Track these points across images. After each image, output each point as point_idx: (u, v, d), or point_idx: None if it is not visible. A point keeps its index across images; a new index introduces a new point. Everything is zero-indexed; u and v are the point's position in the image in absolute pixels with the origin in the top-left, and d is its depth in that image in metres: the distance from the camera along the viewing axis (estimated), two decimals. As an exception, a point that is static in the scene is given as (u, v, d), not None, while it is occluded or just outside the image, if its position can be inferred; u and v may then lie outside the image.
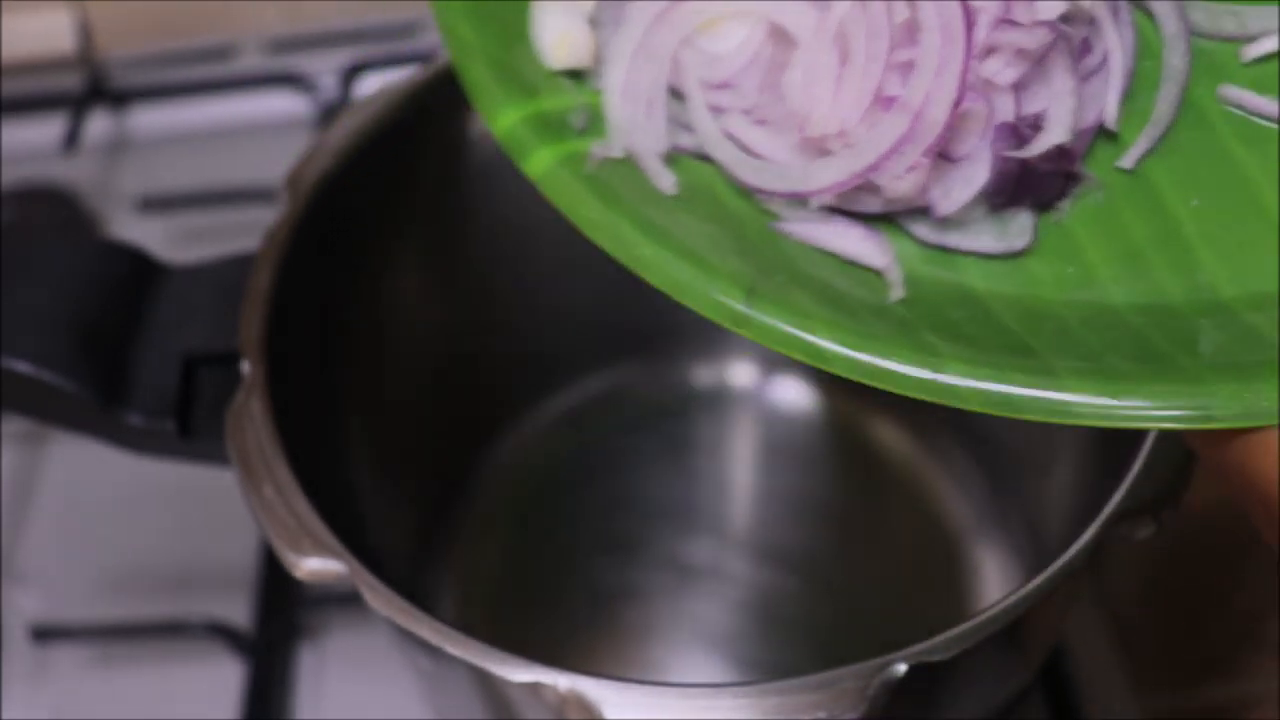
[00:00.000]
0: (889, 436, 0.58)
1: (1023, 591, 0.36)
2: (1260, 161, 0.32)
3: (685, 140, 0.33)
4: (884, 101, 0.31)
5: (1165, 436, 0.38)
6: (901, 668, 0.34)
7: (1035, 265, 0.32)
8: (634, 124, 0.33)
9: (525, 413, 0.59)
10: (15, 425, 0.63)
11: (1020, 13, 0.31)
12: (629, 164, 0.32)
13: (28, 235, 0.45)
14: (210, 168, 0.72)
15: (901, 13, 0.31)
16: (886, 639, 0.35)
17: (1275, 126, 0.33)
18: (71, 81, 0.75)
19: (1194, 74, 0.33)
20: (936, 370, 0.29)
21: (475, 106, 0.33)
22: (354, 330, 0.50)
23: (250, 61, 0.77)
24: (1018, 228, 0.32)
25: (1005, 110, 0.32)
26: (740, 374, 0.61)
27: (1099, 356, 0.29)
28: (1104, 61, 0.33)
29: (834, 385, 0.59)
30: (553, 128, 0.32)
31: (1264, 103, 0.33)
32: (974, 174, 0.31)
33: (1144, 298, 0.31)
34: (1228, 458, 0.29)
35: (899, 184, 0.31)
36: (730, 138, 0.33)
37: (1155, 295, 0.31)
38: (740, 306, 0.30)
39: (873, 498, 0.58)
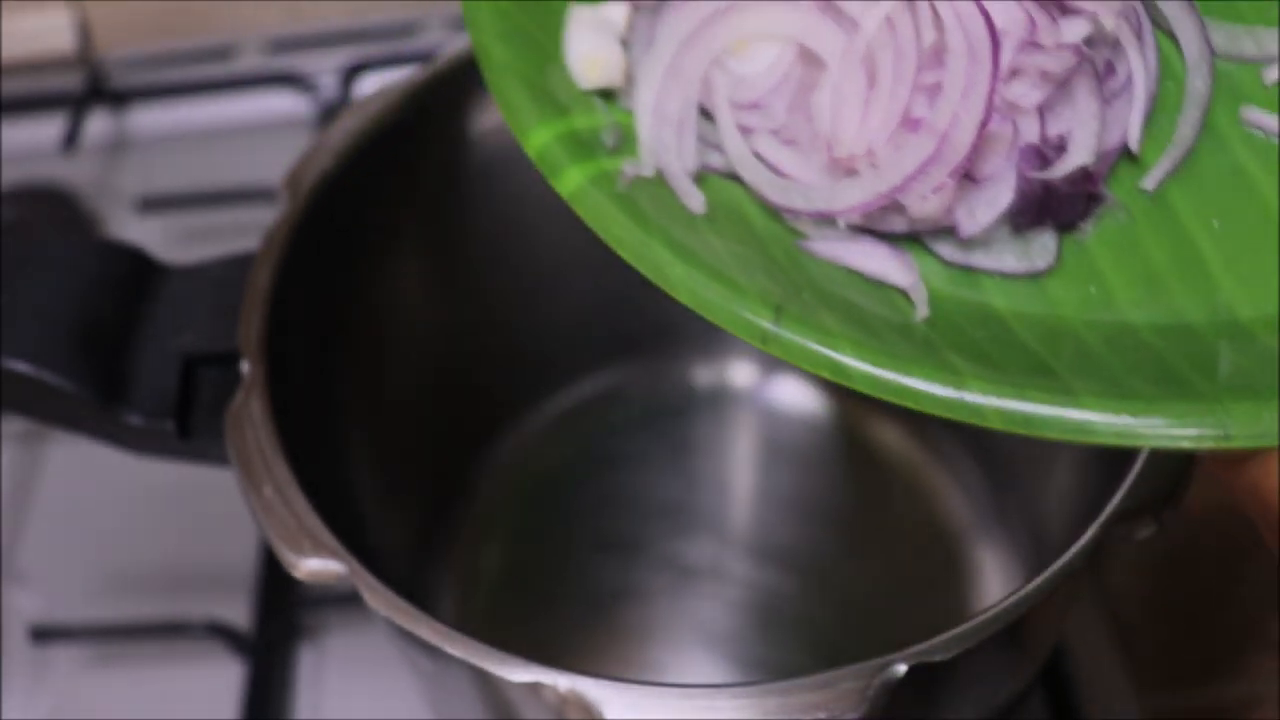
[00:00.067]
0: (889, 436, 0.58)
1: (1023, 592, 0.36)
2: (1279, 184, 0.33)
3: (714, 160, 0.34)
4: (911, 123, 0.31)
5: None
6: (902, 668, 0.34)
7: (1056, 286, 0.32)
8: (664, 143, 0.33)
9: (525, 413, 0.59)
10: (15, 425, 0.63)
11: (1045, 36, 0.31)
12: (659, 183, 0.33)
13: (27, 235, 0.45)
14: (210, 168, 0.72)
15: (929, 36, 0.31)
16: (886, 639, 0.35)
17: (1294, 150, 0.33)
18: (71, 81, 0.75)
19: (1214, 96, 0.34)
20: (958, 389, 0.29)
21: (509, 126, 0.33)
22: (353, 330, 0.50)
23: (250, 61, 0.77)
24: (1040, 248, 0.32)
25: (1030, 132, 0.32)
26: (740, 374, 0.61)
27: (1118, 377, 0.30)
28: (1127, 84, 0.33)
29: (834, 386, 0.59)
30: (584, 147, 0.33)
31: (1284, 126, 0.33)
32: (998, 195, 0.32)
33: (1163, 319, 0.31)
34: (1242, 478, 0.30)
35: (924, 204, 0.31)
36: (759, 158, 0.33)
37: (1174, 317, 0.31)
38: (768, 325, 0.30)
39: (873, 497, 0.58)
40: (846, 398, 0.59)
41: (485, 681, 0.38)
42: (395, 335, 0.53)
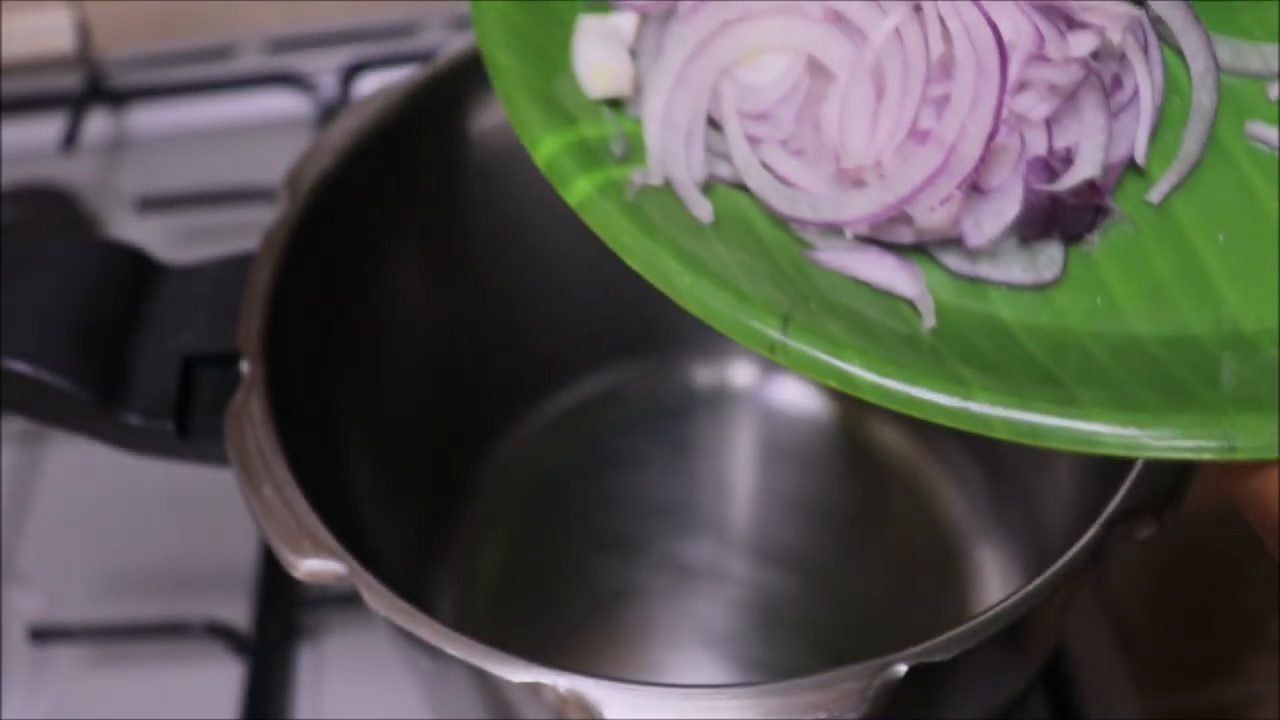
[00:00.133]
0: (889, 436, 0.58)
1: (1024, 592, 0.36)
2: None
3: (722, 170, 0.34)
4: (919, 135, 0.31)
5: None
6: (902, 668, 0.34)
7: (1063, 297, 0.32)
8: (673, 153, 0.33)
9: (525, 413, 0.59)
10: (15, 425, 0.63)
11: (1053, 49, 0.31)
12: (667, 192, 0.33)
13: (27, 235, 0.45)
14: (209, 167, 0.72)
15: (937, 48, 0.31)
16: (886, 639, 0.35)
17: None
18: (70, 81, 0.75)
19: (1219, 111, 0.34)
20: (965, 399, 0.30)
21: (518, 135, 0.34)
22: (353, 330, 0.50)
23: (250, 61, 0.77)
24: (1047, 259, 0.33)
25: (1037, 144, 0.32)
26: (740, 374, 0.61)
27: (1124, 388, 0.30)
28: (1134, 98, 0.33)
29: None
30: (593, 156, 0.33)
31: (1289, 140, 0.34)
32: (1005, 207, 0.32)
33: (1168, 331, 0.32)
34: (1243, 486, 0.30)
35: (932, 216, 0.31)
36: (766, 168, 0.33)
37: (1179, 328, 0.32)
38: (775, 334, 0.31)
39: (873, 497, 0.58)
40: (847, 399, 0.59)
41: (485, 681, 0.38)
42: (395, 335, 0.53)
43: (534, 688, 0.35)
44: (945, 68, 0.31)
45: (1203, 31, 0.34)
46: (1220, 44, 0.34)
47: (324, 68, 0.75)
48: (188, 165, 0.73)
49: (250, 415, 0.41)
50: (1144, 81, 0.33)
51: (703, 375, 0.61)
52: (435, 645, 0.36)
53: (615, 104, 0.35)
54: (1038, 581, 0.36)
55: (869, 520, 0.57)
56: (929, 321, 0.32)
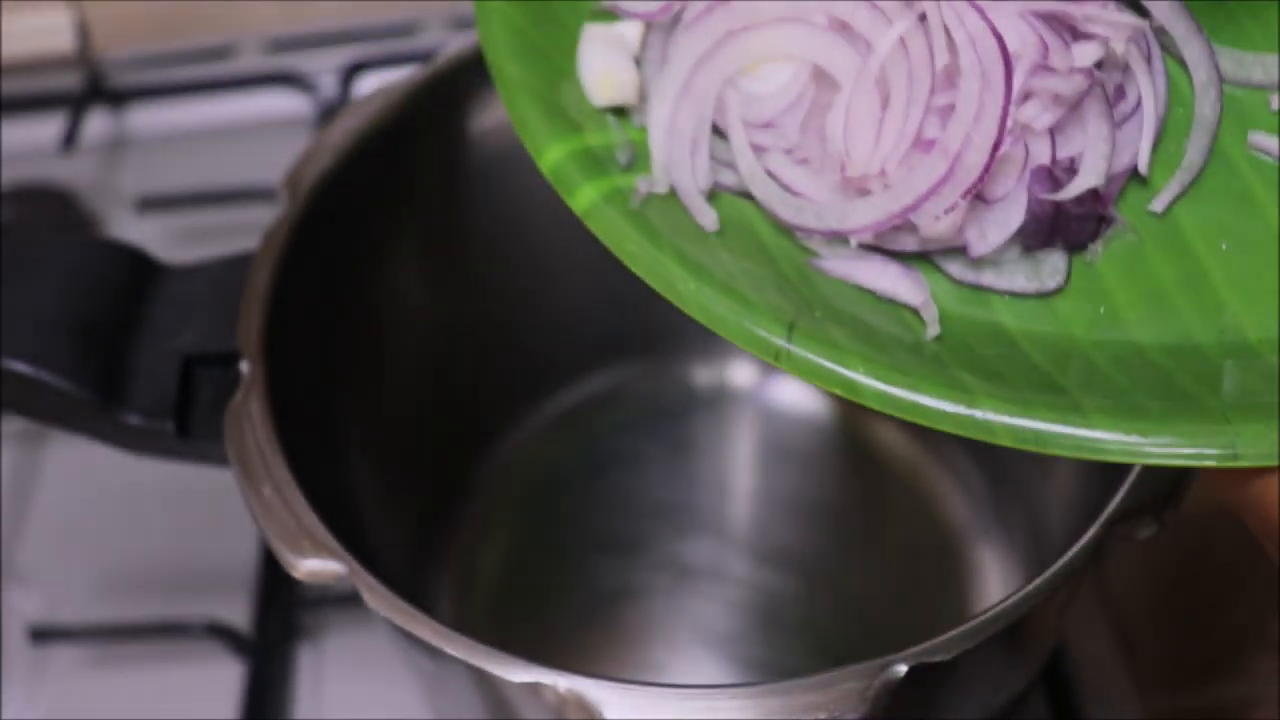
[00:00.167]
0: (889, 437, 0.58)
1: (1024, 592, 0.36)
2: None
3: (727, 178, 0.34)
4: (923, 144, 0.32)
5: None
6: (902, 668, 0.34)
7: (1065, 305, 0.33)
8: (678, 161, 0.34)
9: (525, 413, 0.59)
10: (15, 425, 0.63)
11: (1057, 59, 0.31)
12: (671, 200, 0.33)
13: (26, 235, 0.45)
14: (209, 167, 0.71)
15: (942, 58, 0.31)
16: (886, 639, 0.35)
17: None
18: (70, 81, 0.75)
19: (1223, 121, 0.34)
20: (969, 406, 0.30)
21: (523, 143, 0.34)
22: (353, 330, 0.50)
23: (249, 61, 0.77)
24: (1050, 268, 0.33)
25: (1041, 154, 0.32)
26: (740, 374, 0.61)
27: (1126, 395, 0.30)
28: (1137, 108, 0.34)
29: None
30: (598, 163, 0.33)
31: (1292, 150, 0.34)
32: (1009, 216, 0.32)
33: (1170, 339, 0.32)
34: (1243, 491, 0.30)
35: (936, 225, 0.32)
36: (771, 176, 0.34)
37: (1182, 336, 0.32)
38: (780, 341, 0.31)
39: (873, 498, 0.58)
40: (846, 400, 0.59)
41: (485, 681, 0.38)
42: (395, 335, 0.53)
43: (534, 688, 0.35)
44: (950, 77, 0.32)
45: (1205, 42, 0.34)
46: (1223, 55, 0.34)
47: (324, 68, 0.75)
48: (187, 165, 0.73)
49: (250, 415, 0.41)
50: (1147, 92, 0.33)
51: (703, 375, 0.61)
52: (435, 645, 0.36)
53: (620, 112, 0.35)
54: (1038, 581, 0.36)
55: (869, 520, 0.57)
56: (933, 329, 0.32)
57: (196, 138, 0.75)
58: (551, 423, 0.60)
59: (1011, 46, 0.31)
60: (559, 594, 0.55)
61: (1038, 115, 0.32)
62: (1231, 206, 0.33)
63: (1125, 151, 0.33)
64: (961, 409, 0.30)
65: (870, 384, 0.30)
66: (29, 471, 0.62)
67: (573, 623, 0.54)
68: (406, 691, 0.52)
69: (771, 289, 0.32)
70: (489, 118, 0.51)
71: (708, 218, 0.33)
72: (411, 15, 0.77)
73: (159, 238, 0.68)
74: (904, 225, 0.32)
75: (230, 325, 0.43)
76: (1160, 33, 0.34)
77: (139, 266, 0.45)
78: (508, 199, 0.53)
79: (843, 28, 0.33)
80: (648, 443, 0.59)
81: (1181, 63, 0.34)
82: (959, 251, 0.33)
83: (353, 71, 0.74)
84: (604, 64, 0.35)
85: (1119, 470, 0.38)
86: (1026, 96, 0.32)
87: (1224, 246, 0.33)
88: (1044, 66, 0.32)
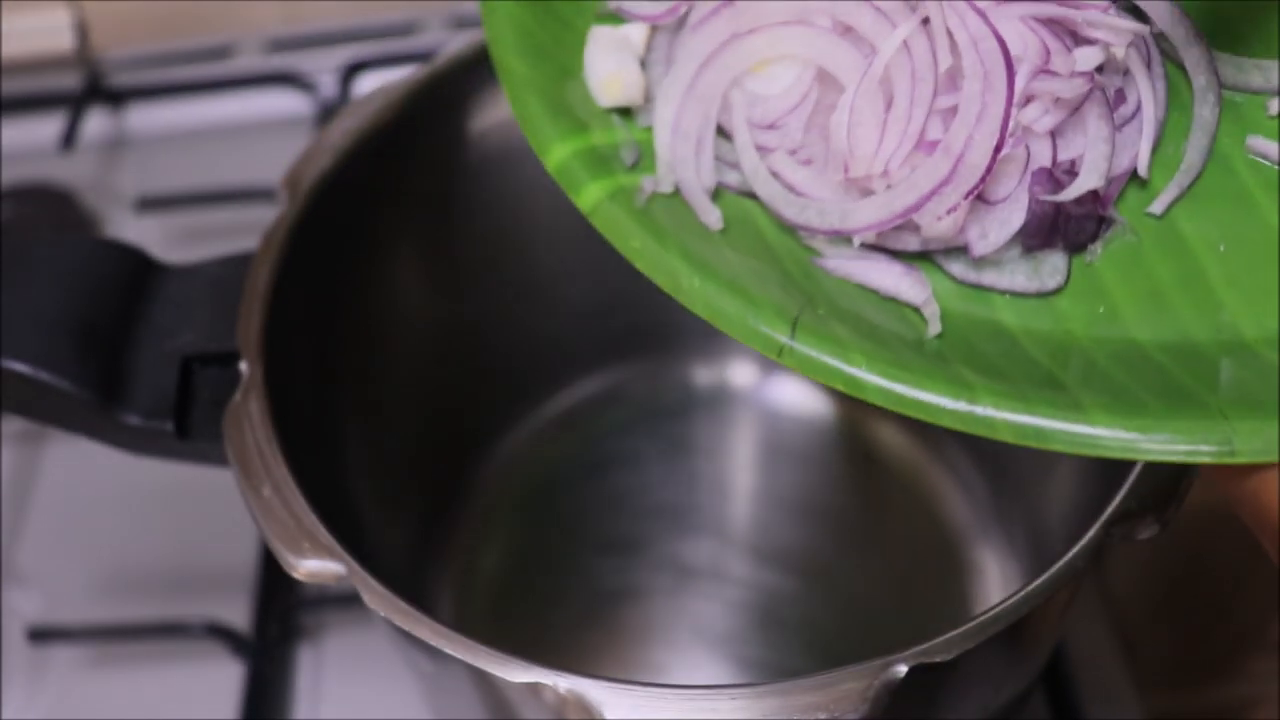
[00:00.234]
0: (889, 437, 0.58)
1: (1024, 592, 0.36)
2: None
3: (731, 178, 0.35)
4: (926, 145, 0.32)
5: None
6: (902, 669, 0.34)
7: (1065, 304, 0.33)
8: (683, 161, 0.34)
9: (525, 413, 0.59)
10: (15, 425, 0.63)
11: (1059, 63, 0.32)
12: (676, 199, 0.34)
13: (25, 234, 0.45)
14: (208, 167, 0.71)
15: (945, 61, 0.32)
16: (887, 639, 0.35)
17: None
18: (69, 80, 0.75)
19: (1222, 124, 0.34)
20: (970, 402, 0.30)
21: (529, 141, 0.34)
22: (353, 330, 0.50)
23: (249, 61, 0.77)
24: (1050, 268, 0.33)
25: (1042, 156, 0.33)
26: (740, 374, 0.61)
27: (1125, 392, 0.30)
28: (1137, 111, 0.34)
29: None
30: (603, 162, 0.34)
31: (1288, 155, 0.34)
32: (1010, 216, 0.33)
33: (1169, 337, 0.32)
34: (1241, 488, 0.30)
35: (938, 224, 0.32)
36: (775, 176, 0.34)
37: (1179, 335, 0.32)
38: (783, 338, 0.31)
39: (873, 498, 0.58)
40: (847, 399, 0.59)
41: (485, 682, 0.38)
42: (394, 335, 0.53)
43: (534, 688, 0.35)
44: (953, 79, 0.32)
45: (1205, 48, 0.34)
46: (1224, 61, 0.35)
47: (324, 67, 0.75)
48: (187, 165, 0.73)
49: (249, 415, 0.40)
50: (1147, 95, 0.34)
51: (703, 375, 0.61)
52: (435, 645, 0.36)
53: (625, 112, 0.35)
54: (1038, 582, 0.36)
55: (869, 520, 0.57)
56: (934, 327, 0.32)
57: (196, 137, 0.75)
58: (551, 423, 0.59)
59: (1014, 50, 0.32)
60: (559, 594, 0.55)
61: (1039, 117, 0.32)
62: (1229, 208, 0.34)
63: (1125, 154, 0.34)
64: (963, 405, 0.30)
65: (873, 380, 0.31)
66: (29, 471, 0.62)
67: (573, 623, 0.54)
68: (406, 691, 0.52)
69: (775, 286, 0.32)
70: (488, 118, 0.51)
71: (712, 216, 0.34)
72: (411, 15, 0.77)
73: (158, 237, 0.68)
74: (906, 225, 0.32)
75: (230, 325, 0.43)
76: (1160, 38, 0.34)
77: (138, 266, 0.45)
78: (507, 199, 0.53)
79: (847, 30, 0.33)
80: (648, 443, 0.59)
81: (1181, 67, 0.35)
82: (960, 251, 0.33)
83: (352, 71, 0.74)
84: (610, 66, 0.35)
85: (1120, 470, 0.38)
86: (1028, 99, 0.32)
87: (1221, 247, 0.33)
88: (1046, 70, 0.32)
